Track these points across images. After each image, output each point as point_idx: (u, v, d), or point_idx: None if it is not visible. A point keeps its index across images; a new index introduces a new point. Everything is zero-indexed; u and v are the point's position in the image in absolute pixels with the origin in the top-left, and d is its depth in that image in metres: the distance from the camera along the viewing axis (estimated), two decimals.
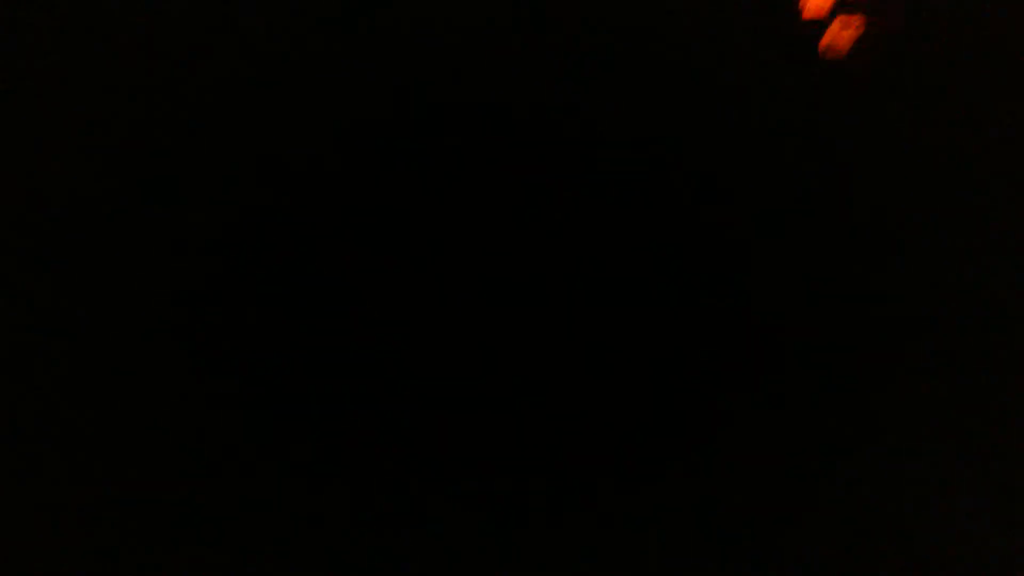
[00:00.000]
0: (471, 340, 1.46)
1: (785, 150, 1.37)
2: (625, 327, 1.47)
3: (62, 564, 1.36)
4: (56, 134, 1.39)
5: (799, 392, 1.43)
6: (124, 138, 1.40)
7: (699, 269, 1.46)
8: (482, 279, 1.48)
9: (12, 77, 1.37)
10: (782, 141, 1.37)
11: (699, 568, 1.40)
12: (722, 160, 1.40)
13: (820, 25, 1.34)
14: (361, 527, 1.40)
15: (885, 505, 1.39)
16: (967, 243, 1.34)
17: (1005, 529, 1.34)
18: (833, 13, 1.33)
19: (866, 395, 1.42)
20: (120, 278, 1.41)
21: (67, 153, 1.39)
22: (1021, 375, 1.38)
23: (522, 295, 1.51)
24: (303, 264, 1.44)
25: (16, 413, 1.38)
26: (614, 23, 1.39)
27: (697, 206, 1.42)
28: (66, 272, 1.40)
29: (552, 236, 1.50)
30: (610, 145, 1.46)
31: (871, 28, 1.31)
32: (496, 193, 1.45)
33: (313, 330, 1.44)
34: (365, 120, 1.46)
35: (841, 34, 1.31)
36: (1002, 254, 1.34)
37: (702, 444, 1.43)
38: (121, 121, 1.40)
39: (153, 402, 1.40)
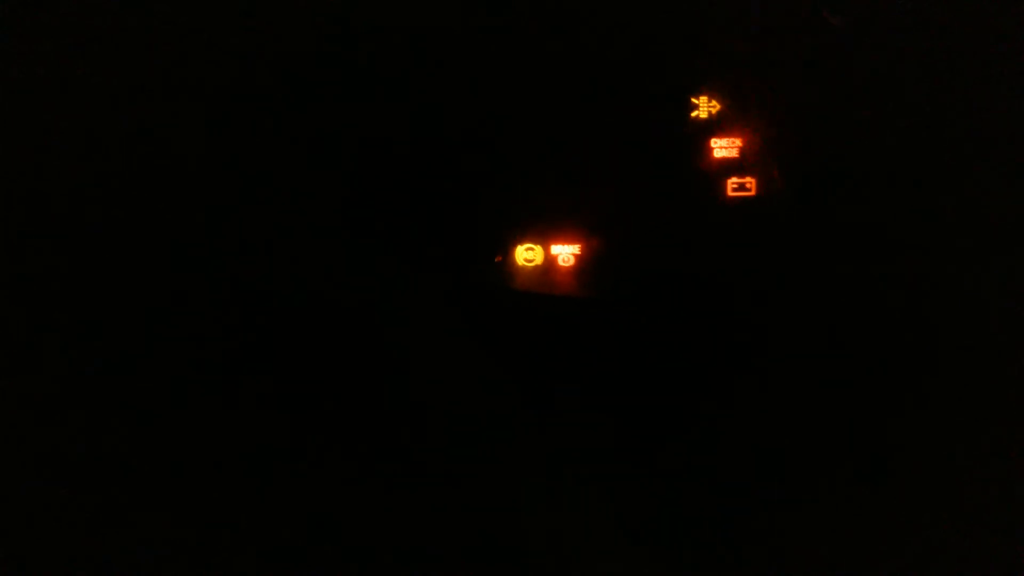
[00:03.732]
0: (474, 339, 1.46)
1: None
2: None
3: (62, 564, 1.36)
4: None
5: (798, 392, 1.43)
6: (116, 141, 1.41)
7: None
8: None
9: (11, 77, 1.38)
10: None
11: (698, 568, 1.40)
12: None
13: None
14: (360, 527, 1.40)
15: (884, 504, 1.39)
16: None
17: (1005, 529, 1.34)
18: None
19: (866, 396, 1.42)
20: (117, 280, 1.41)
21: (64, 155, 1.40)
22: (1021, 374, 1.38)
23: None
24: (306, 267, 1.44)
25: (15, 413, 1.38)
26: None
27: None
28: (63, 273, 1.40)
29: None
30: None
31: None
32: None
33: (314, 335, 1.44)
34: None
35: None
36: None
37: (699, 443, 1.43)
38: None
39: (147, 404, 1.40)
